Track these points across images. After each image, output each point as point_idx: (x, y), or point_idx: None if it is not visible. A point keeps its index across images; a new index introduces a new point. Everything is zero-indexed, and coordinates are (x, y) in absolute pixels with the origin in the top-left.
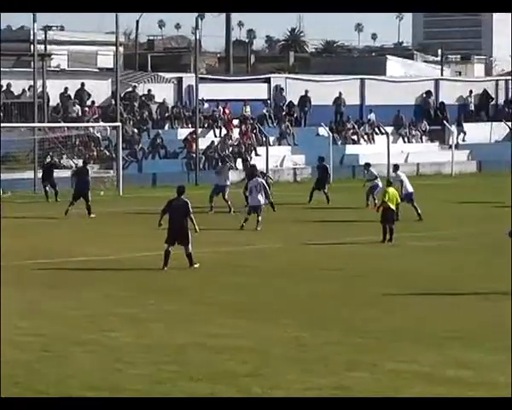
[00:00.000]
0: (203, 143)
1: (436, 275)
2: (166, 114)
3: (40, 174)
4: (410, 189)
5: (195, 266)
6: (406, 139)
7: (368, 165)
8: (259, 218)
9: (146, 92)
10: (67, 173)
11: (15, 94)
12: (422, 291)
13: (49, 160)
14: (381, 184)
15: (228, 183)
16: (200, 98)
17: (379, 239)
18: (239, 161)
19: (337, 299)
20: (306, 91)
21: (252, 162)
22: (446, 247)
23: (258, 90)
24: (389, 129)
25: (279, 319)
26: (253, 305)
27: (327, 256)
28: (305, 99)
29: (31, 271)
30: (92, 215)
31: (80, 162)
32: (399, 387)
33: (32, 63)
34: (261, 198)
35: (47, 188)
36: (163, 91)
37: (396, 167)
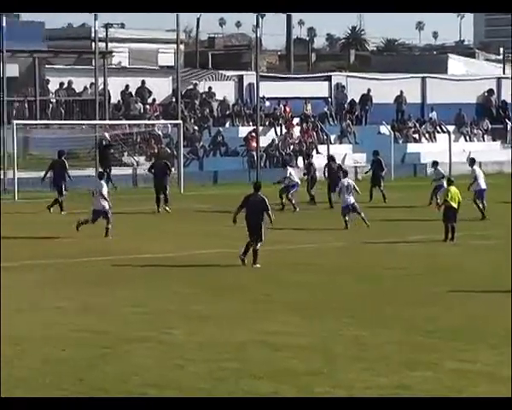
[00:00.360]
0: (264, 141)
1: (496, 274)
2: (227, 112)
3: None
4: (483, 185)
5: (257, 265)
6: (468, 138)
7: (436, 163)
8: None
9: (207, 90)
10: (129, 171)
11: (77, 91)
12: (483, 289)
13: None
14: (445, 184)
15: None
16: (260, 96)
17: (441, 238)
18: (300, 159)
19: (398, 297)
20: (369, 90)
21: (337, 163)
22: (507, 246)
23: (319, 89)
24: (451, 128)
25: (340, 318)
26: (313, 303)
27: (388, 254)
28: (366, 97)
29: (92, 268)
30: (167, 208)
31: (142, 159)
32: (462, 387)
33: (94, 61)
34: (352, 198)
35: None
36: (224, 89)
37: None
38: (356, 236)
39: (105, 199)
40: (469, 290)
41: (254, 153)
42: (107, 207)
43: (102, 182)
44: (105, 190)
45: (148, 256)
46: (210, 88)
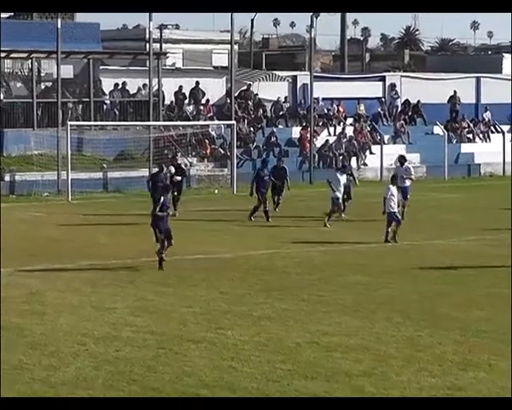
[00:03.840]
0: (317, 142)
1: None
2: (281, 113)
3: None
4: None
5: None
6: None
7: (403, 158)
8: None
9: (260, 91)
10: None
11: (131, 92)
12: None
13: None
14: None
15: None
16: (314, 97)
17: (492, 238)
18: (353, 159)
19: (451, 298)
20: (418, 101)
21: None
22: None
23: (373, 89)
24: (505, 127)
25: (392, 318)
26: (366, 303)
27: (441, 255)
28: (417, 105)
29: (145, 268)
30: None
31: (195, 160)
32: None
33: (148, 62)
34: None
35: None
36: (278, 90)
37: (403, 158)
38: (408, 235)
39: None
40: None
41: (308, 154)
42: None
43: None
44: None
45: (199, 257)
46: (264, 89)
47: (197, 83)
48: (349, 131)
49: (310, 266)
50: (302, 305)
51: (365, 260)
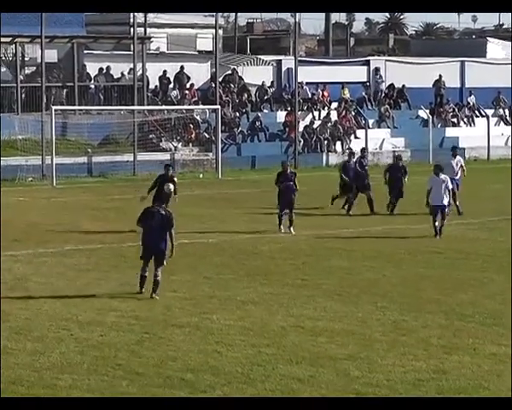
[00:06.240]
0: (302, 126)
1: None
2: (265, 97)
3: (139, 157)
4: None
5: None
6: (506, 122)
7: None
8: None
9: (245, 75)
10: (167, 156)
11: (115, 77)
12: None
13: None
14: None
15: None
16: (299, 81)
17: (476, 222)
18: (338, 143)
19: (435, 282)
20: (403, 86)
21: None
22: None
23: (358, 73)
24: (489, 111)
25: (378, 302)
26: (351, 288)
27: (425, 239)
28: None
29: (129, 253)
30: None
31: (180, 145)
32: (500, 371)
33: (132, 46)
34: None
35: None
36: (262, 74)
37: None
38: (392, 220)
39: None
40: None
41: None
42: None
43: None
44: None
45: (183, 242)
46: (248, 73)
47: (182, 67)
48: (334, 115)
49: (294, 250)
50: (286, 289)
51: (349, 245)
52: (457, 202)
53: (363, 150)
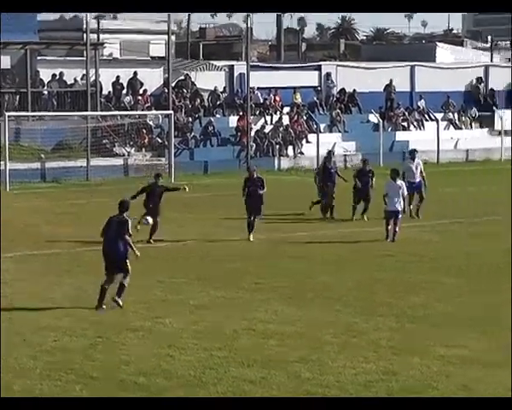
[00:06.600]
0: (254, 131)
1: (488, 261)
2: (218, 102)
3: (93, 162)
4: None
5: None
6: (456, 126)
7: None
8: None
9: (197, 81)
10: (120, 161)
11: (68, 83)
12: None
13: None
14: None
15: None
16: (251, 86)
17: (430, 225)
18: (290, 148)
19: (387, 285)
20: (354, 90)
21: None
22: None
23: (309, 78)
24: (439, 115)
25: (331, 306)
26: (303, 291)
27: (378, 242)
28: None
29: (83, 258)
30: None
31: (133, 150)
32: (449, 372)
33: (85, 52)
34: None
35: None
36: (215, 79)
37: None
38: (345, 224)
39: None
40: (458, 278)
41: (245, 142)
42: None
43: None
44: None
45: (139, 246)
46: (200, 78)
47: (135, 73)
48: (285, 120)
49: (249, 254)
50: (241, 293)
51: (304, 249)
52: (411, 206)
53: (330, 153)
